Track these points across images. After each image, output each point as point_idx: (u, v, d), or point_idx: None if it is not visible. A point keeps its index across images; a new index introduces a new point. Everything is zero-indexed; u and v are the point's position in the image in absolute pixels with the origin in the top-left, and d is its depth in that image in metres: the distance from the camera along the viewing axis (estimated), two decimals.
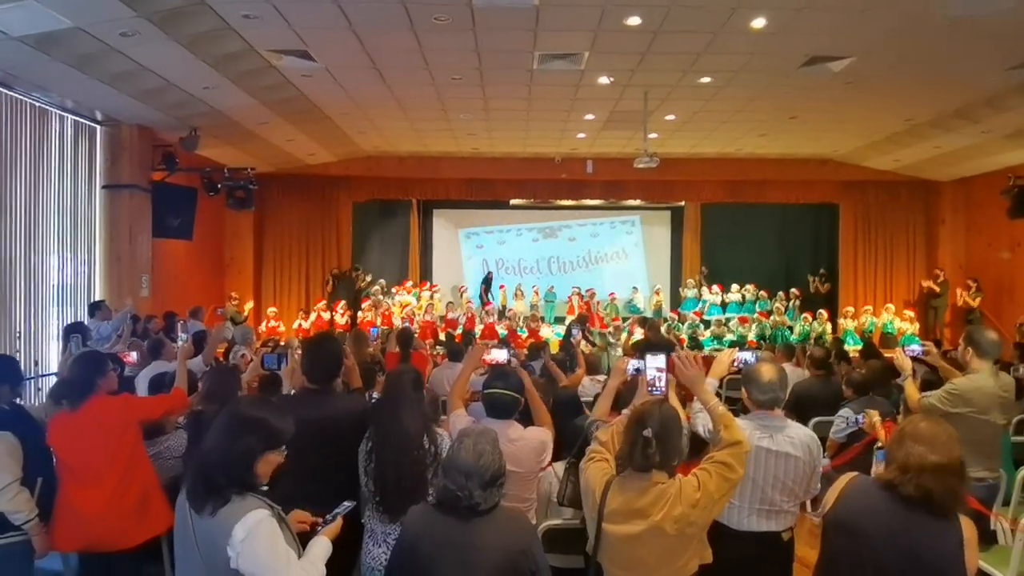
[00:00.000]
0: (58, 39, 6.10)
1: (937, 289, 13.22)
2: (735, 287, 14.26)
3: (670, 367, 2.76)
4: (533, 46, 7.08)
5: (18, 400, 3.49)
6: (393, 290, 14.26)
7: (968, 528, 2.15)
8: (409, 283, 14.70)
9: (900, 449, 2.20)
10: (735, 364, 3.07)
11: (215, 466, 2.09)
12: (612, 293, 14.67)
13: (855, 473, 2.38)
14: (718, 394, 2.83)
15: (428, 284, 14.85)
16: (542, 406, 3.48)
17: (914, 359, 4.42)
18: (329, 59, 7.46)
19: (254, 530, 2.02)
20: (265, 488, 2.19)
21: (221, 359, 5.96)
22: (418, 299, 13.91)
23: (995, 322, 11.36)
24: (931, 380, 4.59)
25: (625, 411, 2.74)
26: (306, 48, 7.08)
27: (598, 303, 14.09)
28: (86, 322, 7.47)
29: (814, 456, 2.91)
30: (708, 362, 3.05)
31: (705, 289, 14.53)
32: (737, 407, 3.12)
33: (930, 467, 2.12)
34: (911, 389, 4.04)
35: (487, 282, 15.38)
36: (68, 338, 5.48)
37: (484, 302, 14.52)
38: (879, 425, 3.71)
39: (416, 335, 9.30)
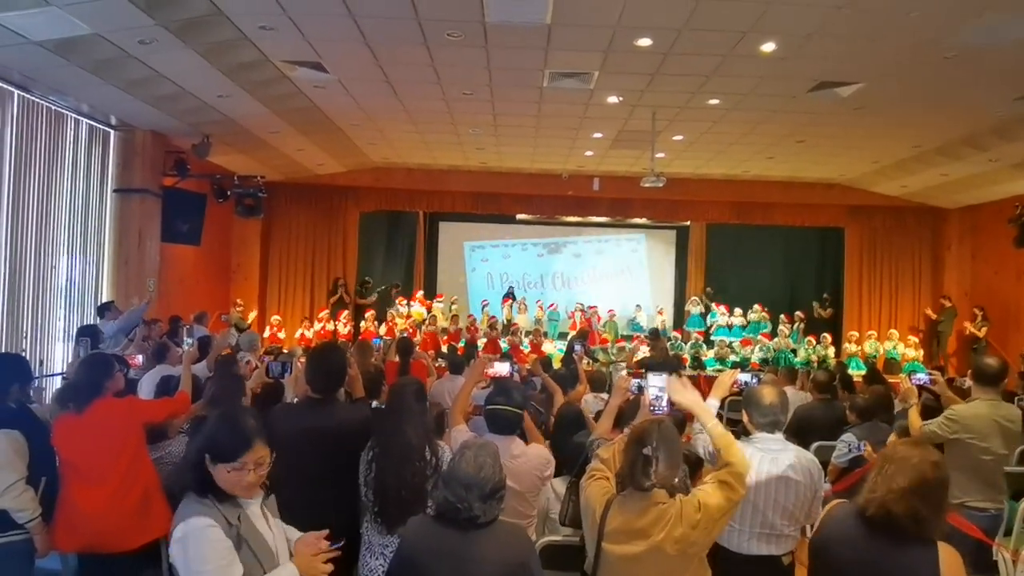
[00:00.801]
0: (77, 44, 6.19)
1: (935, 316, 13.21)
2: (738, 311, 14.23)
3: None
4: (544, 64, 7.15)
5: (30, 398, 3.52)
6: (395, 301, 14.30)
7: (948, 555, 2.06)
8: (420, 293, 14.74)
9: (874, 471, 2.17)
10: (736, 386, 3.07)
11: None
12: (611, 310, 14.62)
13: (840, 500, 2.36)
14: (719, 415, 2.83)
15: (451, 297, 14.90)
16: (537, 433, 3.50)
17: (920, 388, 4.43)
18: (342, 71, 7.54)
19: (190, 535, 2.02)
20: (240, 499, 2.15)
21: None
22: (429, 311, 13.95)
23: (1001, 351, 11.32)
24: (930, 407, 4.59)
25: (627, 429, 2.75)
26: (320, 60, 7.16)
27: (598, 319, 14.09)
28: (97, 323, 7.52)
29: (815, 480, 2.90)
30: (710, 382, 3.06)
31: (714, 305, 14.48)
32: (738, 429, 3.13)
33: (896, 488, 2.05)
34: (914, 417, 4.05)
35: (510, 296, 15.33)
36: (78, 341, 5.50)
37: (512, 322, 14.43)
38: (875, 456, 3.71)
39: (418, 347, 9.31)
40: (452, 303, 14.46)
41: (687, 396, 2.67)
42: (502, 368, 3.72)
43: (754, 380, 3.07)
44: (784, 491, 2.85)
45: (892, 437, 4.04)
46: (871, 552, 2.09)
